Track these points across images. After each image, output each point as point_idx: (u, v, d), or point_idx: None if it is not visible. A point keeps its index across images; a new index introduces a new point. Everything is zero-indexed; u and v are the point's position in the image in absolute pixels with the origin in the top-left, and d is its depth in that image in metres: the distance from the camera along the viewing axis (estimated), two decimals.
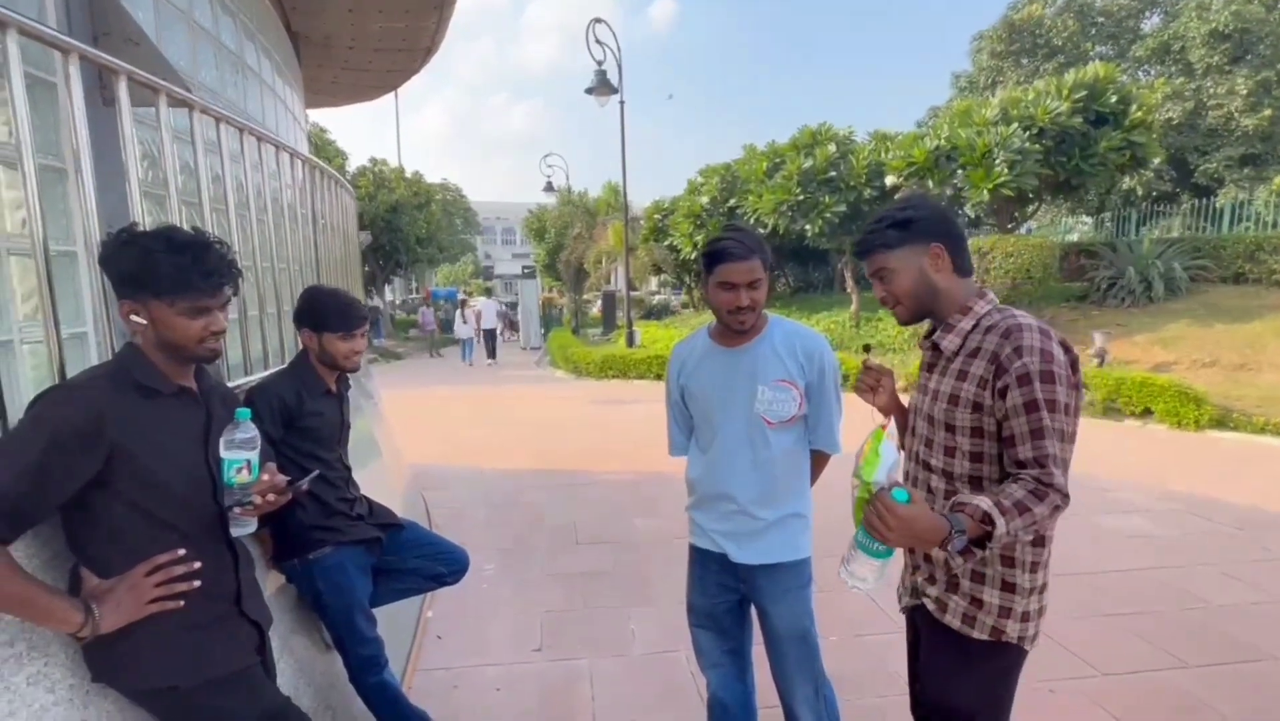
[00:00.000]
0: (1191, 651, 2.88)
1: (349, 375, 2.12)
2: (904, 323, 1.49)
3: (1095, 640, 2.98)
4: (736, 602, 1.90)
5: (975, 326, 1.38)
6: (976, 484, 1.38)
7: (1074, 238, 15.74)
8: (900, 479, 1.24)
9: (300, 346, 2.04)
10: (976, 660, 1.38)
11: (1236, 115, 16.26)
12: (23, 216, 1.36)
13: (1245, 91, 15.91)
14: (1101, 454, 6.31)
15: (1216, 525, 4.41)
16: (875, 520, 1.14)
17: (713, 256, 1.69)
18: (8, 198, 1.76)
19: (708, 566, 1.89)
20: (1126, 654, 2.87)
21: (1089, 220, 17.50)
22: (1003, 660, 1.39)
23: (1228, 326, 9.31)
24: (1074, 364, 1.31)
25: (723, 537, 1.82)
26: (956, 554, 1.17)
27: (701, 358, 1.85)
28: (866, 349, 1.66)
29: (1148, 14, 20.81)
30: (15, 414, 1.20)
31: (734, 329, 1.74)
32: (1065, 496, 1.22)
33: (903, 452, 1.26)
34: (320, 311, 1.96)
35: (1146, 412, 7.52)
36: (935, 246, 1.39)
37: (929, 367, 1.49)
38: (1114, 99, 10.46)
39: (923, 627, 1.53)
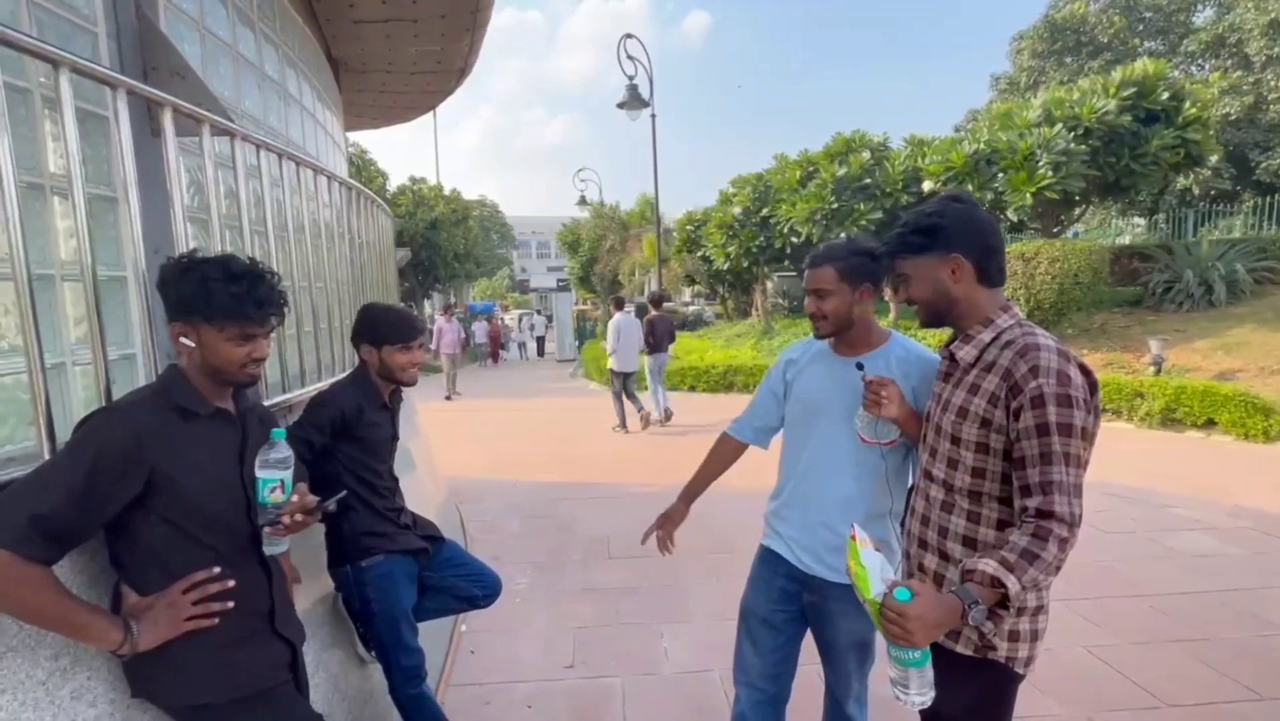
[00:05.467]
0: (1264, 682, 2.67)
1: (403, 389, 2.15)
2: (923, 326, 1.48)
3: (1159, 668, 2.80)
4: (797, 614, 1.83)
5: (994, 340, 1.35)
6: (975, 498, 1.35)
7: (1125, 240, 15.10)
8: (893, 575, 1.21)
9: (358, 361, 2.09)
10: (963, 675, 1.34)
11: None
12: (75, 244, 1.43)
13: None
14: (1162, 468, 5.99)
15: None
16: (893, 629, 1.11)
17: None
18: (61, 226, 1.85)
19: (776, 571, 1.84)
20: (1193, 683, 2.69)
21: (1141, 222, 16.77)
22: (992, 679, 1.34)
23: None
24: (1093, 387, 1.26)
25: (800, 548, 1.78)
26: (985, 622, 1.14)
27: (815, 359, 1.84)
28: (860, 366, 1.65)
29: (1199, 7, 19.99)
30: (65, 434, 1.25)
31: (815, 333, 1.77)
32: (1069, 524, 1.17)
33: (879, 552, 1.22)
34: (379, 326, 2.02)
35: (1210, 424, 7.12)
36: (955, 258, 1.35)
37: (945, 377, 1.46)
38: (1165, 95, 10.06)
39: None
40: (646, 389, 8.96)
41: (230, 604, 1.30)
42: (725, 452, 2.03)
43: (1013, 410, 1.24)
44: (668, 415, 8.55)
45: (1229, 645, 2.97)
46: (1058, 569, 1.17)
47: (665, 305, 10.25)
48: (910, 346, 1.76)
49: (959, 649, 1.35)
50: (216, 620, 1.29)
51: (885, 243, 1.48)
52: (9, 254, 1.25)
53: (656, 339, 8.70)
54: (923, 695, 1.15)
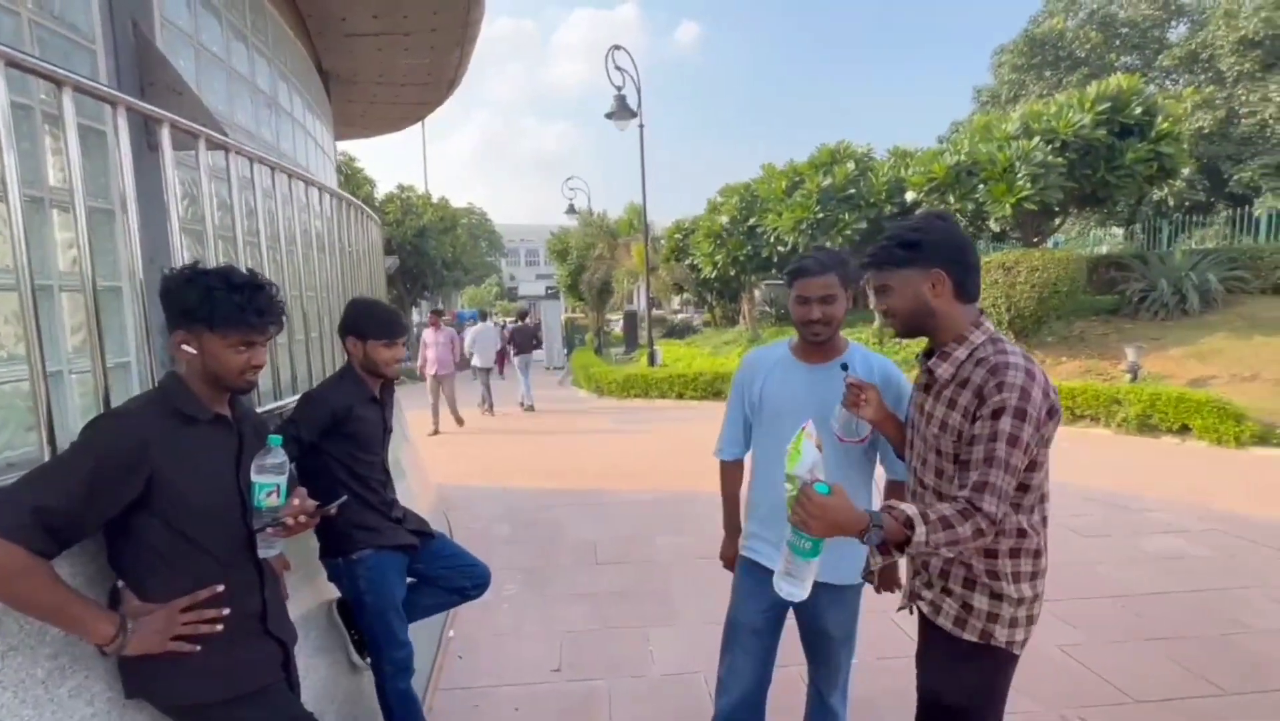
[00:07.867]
0: (1229, 678, 2.77)
1: (392, 382, 2.24)
2: (898, 336, 1.57)
3: (1129, 666, 2.89)
4: (782, 617, 1.94)
5: (969, 357, 1.43)
6: None
7: (1104, 250, 15.42)
8: (822, 476, 1.31)
9: (345, 358, 2.17)
10: (966, 659, 1.46)
11: (1271, 122, 15.87)
12: (74, 255, 1.47)
13: None
14: (1138, 472, 6.13)
15: (1259, 546, 4.25)
16: (800, 510, 1.24)
17: (792, 273, 1.81)
18: (61, 238, 1.89)
19: (764, 582, 1.88)
20: (1161, 680, 2.78)
21: (1119, 232, 17.15)
22: (991, 661, 1.46)
23: (1268, 339, 9.00)
24: (1050, 411, 1.35)
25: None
26: (875, 547, 1.28)
27: (779, 368, 1.91)
28: (844, 367, 1.73)
29: (1173, 23, 20.53)
30: (64, 440, 1.28)
31: (808, 340, 1.82)
32: (991, 523, 1.28)
33: (820, 452, 1.34)
34: (365, 321, 2.10)
35: (1184, 429, 7.29)
36: (936, 273, 1.42)
37: (925, 388, 1.53)
38: (1139, 110, 10.32)
39: (921, 626, 1.61)
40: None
41: (219, 628, 1.33)
42: (735, 473, 2.10)
43: (974, 418, 1.35)
44: (525, 405, 11.03)
45: (1198, 643, 3.07)
46: (960, 551, 1.30)
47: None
48: (869, 354, 1.87)
49: (965, 635, 1.45)
50: (198, 647, 1.31)
51: (870, 254, 1.52)
52: (13, 265, 1.29)
53: (515, 344, 11.69)
54: (797, 588, 1.31)
